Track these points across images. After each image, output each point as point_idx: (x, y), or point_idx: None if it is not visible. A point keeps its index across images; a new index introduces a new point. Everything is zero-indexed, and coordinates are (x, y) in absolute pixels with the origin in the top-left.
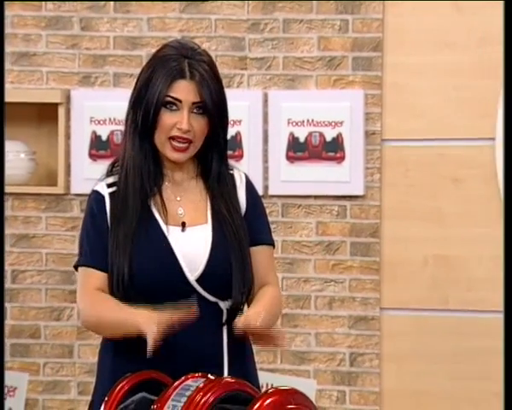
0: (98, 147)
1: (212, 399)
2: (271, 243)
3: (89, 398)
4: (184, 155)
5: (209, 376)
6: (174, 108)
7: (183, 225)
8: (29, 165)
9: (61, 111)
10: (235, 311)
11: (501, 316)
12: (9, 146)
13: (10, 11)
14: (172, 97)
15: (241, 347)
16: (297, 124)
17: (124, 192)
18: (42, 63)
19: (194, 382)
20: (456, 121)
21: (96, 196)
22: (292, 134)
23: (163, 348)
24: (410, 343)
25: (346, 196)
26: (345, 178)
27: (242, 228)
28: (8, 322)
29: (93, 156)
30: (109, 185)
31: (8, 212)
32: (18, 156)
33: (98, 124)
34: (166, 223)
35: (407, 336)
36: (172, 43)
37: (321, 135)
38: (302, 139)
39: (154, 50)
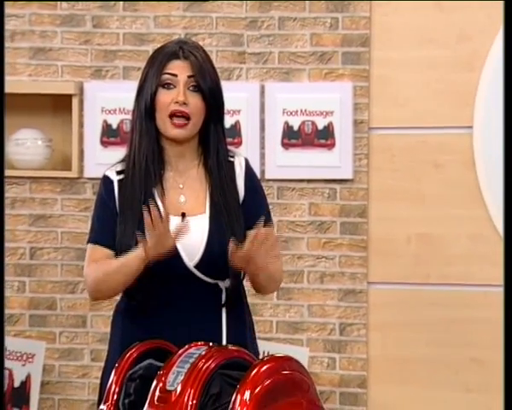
0: (109, 134)
1: (213, 365)
2: (268, 224)
3: (101, 364)
4: (184, 132)
5: (211, 344)
6: (171, 87)
7: (183, 215)
8: (45, 151)
9: (75, 102)
10: (233, 290)
11: (478, 289)
12: (27, 134)
13: (28, 10)
14: (168, 73)
15: (240, 321)
16: (291, 113)
17: (131, 180)
18: (57, 58)
19: (196, 350)
20: (437, 111)
21: (106, 181)
22: (286, 123)
23: (167, 325)
24: (394, 314)
25: (336, 179)
26: (335, 164)
27: (238, 216)
28: (27, 295)
29: (104, 143)
30: (118, 172)
31: (26, 194)
32: (35, 143)
33: (109, 113)
34: (169, 213)
35: (392, 307)
36: (170, 41)
37: (313, 124)
38: (296, 128)
39: (159, 45)
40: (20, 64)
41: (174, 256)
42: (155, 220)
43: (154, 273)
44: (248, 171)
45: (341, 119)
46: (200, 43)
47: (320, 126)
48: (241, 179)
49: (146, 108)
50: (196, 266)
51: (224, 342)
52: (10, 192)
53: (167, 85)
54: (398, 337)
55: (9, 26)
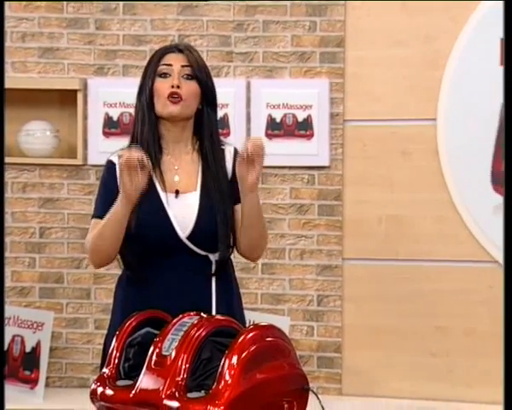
0: (110, 126)
1: (204, 333)
2: None
3: (104, 332)
4: (179, 107)
5: (202, 314)
6: (167, 76)
7: (177, 192)
8: (53, 141)
9: (80, 96)
10: (222, 262)
11: (441, 264)
12: (37, 125)
13: (37, 14)
14: (164, 64)
15: (229, 291)
16: (274, 107)
17: None
18: (63, 57)
19: (189, 319)
20: (405, 105)
21: (109, 165)
22: (270, 115)
23: (163, 294)
24: (366, 287)
25: (315, 166)
26: (313, 152)
27: (226, 194)
28: (37, 270)
29: (106, 134)
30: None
31: (36, 179)
32: (44, 134)
33: (110, 107)
34: (165, 191)
35: (364, 281)
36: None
37: (294, 116)
38: (278, 120)
39: (156, 46)
40: (30, 62)
41: (168, 228)
42: (127, 161)
43: (151, 245)
44: (236, 157)
45: (319, 112)
46: (192, 43)
47: (300, 119)
48: (229, 164)
49: (146, 98)
50: (188, 238)
51: (214, 309)
52: (21, 178)
53: (164, 75)
54: (370, 308)
55: (21, 28)
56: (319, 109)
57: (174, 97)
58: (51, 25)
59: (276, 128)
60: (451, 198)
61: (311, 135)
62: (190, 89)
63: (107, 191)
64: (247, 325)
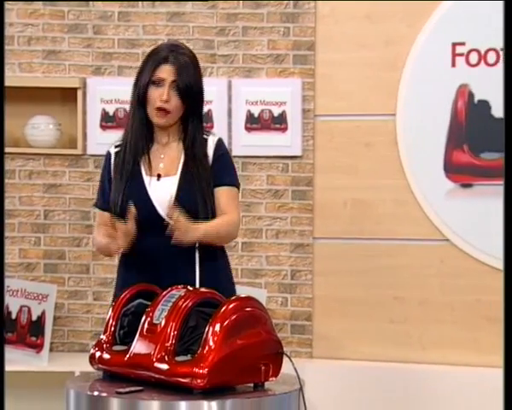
0: (106, 120)
1: (190, 304)
2: (229, 184)
3: (102, 303)
4: (165, 120)
5: (188, 287)
6: (160, 84)
7: (159, 176)
8: (56, 133)
9: (79, 94)
10: None
11: (399, 242)
12: (41, 119)
13: (41, 20)
14: (158, 77)
15: (214, 265)
16: (252, 103)
17: (123, 152)
18: (65, 58)
19: (177, 292)
20: (368, 102)
21: (106, 155)
22: (249, 111)
23: (152, 268)
24: (334, 263)
25: (288, 156)
26: (287, 143)
27: (205, 177)
28: (42, 247)
29: (103, 127)
30: (116, 146)
31: (40, 168)
32: (48, 127)
33: (106, 103)
34: (150, 175)
35: (332, 257)
36: (163, 43)
37: (270, 112)
38: (256, 115)
39: (147, 49)
40: (35, 63)
41: (150, 208)
42: (120, 230)
43: (139, 225)
44: (218, 144)
45: (292, 108)
46: None
47: (275, 114)
48: (211, 150)
49: (139, 98)
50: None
51: (197, 281)
52: (28, 166)
53: (157, 83)
54: (337, 281)
55: (27, 33)
56: (292, 105)
57: (161, 111)
58: (54, 30)
59: (254, 122)
60: (409, 184)
61: (286, 128)
62: (177, 102)
63: (103, 180)
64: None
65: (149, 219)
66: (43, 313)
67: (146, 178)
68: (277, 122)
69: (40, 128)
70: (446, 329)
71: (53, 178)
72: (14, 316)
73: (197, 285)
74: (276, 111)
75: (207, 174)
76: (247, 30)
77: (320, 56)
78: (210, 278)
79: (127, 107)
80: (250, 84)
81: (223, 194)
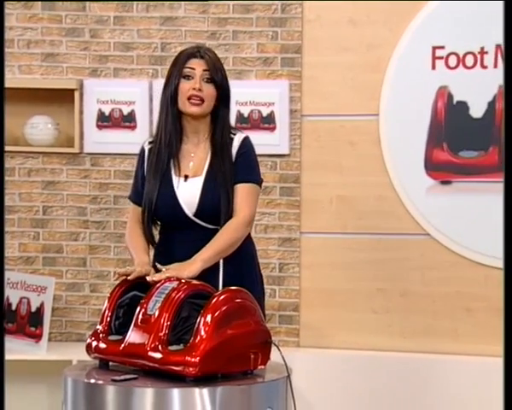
0: (102, 120)
1: (183, 295)
2: (247, 181)
3: (98, 295)
4: (199, 108)
5: (181, 280)
6: (190, 78)
7: (186, 177)
8: (54, 132)
9: (77, 95)
10: None
11: (382, 237)
12: (40, 119)
13: (40, 24)
14: (188, 67)
15: (237, 260)
16: (242, 104)
17: (157, 149)
18: (63, 61)
19: (170, 284)
20: (352, 102)
21: (140, 151)
22: (239, 111)
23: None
24: (320, 256)
25: (277, 154)
26: (275, 142)
27: (229, 176)
28: (41, 242)
29: (99, 126)
30: (150, 143)
31: (39, 165)
32: (46, 126)
33: (102, 104)
34: (179, 175)
35: (318, 251)
36: (190, 46)
37: (259, 112)
38: (246, 115)
39: (142, 52)
40: (34, 66)
41: (177, 208)
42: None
43: (166, 222)
44: (244, 142)
45: (280, 108)
46: (172, 50)
47: (264, 114)
48: (235, 149)
49: (171, 95)
50: (195, 215)
51: (221, 276)
52: (27, 164)
53: (187, 77)
54: (323, 273)
55: (26, 36)
56: (280, 106)
57: (195, 99)
58: (52, 33)
59: (244, 122)
60: (391, 181)
61: (274, 128)
62: (209, 91)
63: (137, 175)
64: (220, 289)
65: (176, 217)
66: (42, 304)
67: (175, 180)
68: (266, 122)
69: (39, 127)
70: (427, 319)
71: (51, 175)
72: (14, 307)
73: (220, 276)
74: (265, 111)
75: (231, 174)
76: (237, 34)
77: (307, 59)
78: (233, 271)
79: (123, 107)
80: (240, 86)
81: (239, 190)
